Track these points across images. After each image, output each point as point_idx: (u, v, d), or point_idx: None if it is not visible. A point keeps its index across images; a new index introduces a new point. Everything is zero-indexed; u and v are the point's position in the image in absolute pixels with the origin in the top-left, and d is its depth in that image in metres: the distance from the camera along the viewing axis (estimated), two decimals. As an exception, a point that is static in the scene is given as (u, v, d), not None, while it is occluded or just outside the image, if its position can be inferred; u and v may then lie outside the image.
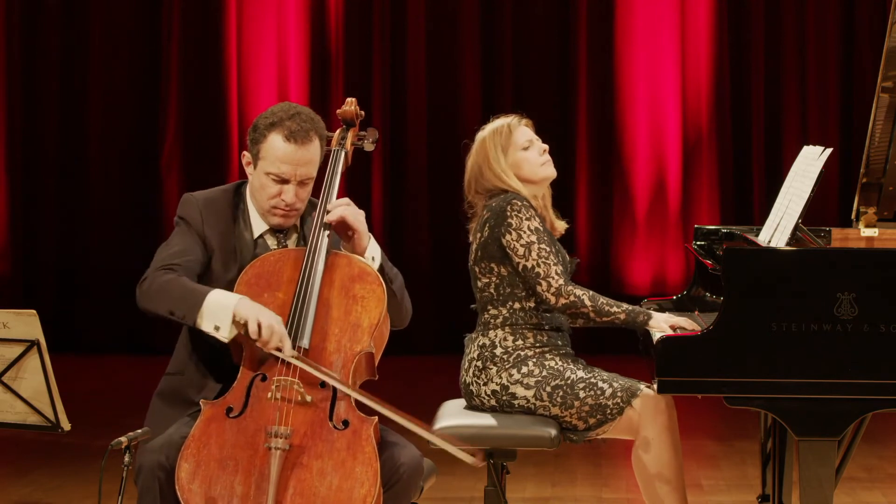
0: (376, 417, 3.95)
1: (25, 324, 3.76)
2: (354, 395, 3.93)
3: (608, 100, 10.88)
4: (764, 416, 5.22)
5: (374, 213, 10.88)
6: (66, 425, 3.81)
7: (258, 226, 4.23)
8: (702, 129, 10.83)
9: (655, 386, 4.26)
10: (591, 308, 4.61)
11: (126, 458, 3.77)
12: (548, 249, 4.64)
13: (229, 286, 4.10)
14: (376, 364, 4.13)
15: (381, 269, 4.15)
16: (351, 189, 10.86)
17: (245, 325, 3.92)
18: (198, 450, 3.87)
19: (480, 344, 4.72)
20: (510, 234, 4.65)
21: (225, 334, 3.93)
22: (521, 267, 4.65)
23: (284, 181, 4.13)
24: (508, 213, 4.64)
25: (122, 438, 3.78)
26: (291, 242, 4.25)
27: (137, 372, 9.72)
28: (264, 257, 4.13)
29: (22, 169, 11.01)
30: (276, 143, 4.12)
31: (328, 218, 4.10)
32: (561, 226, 4.87)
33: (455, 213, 10.93)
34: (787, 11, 10.78)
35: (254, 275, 4.09)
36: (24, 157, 11.01)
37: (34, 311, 3.77)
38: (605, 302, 4.63)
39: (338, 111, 4.33)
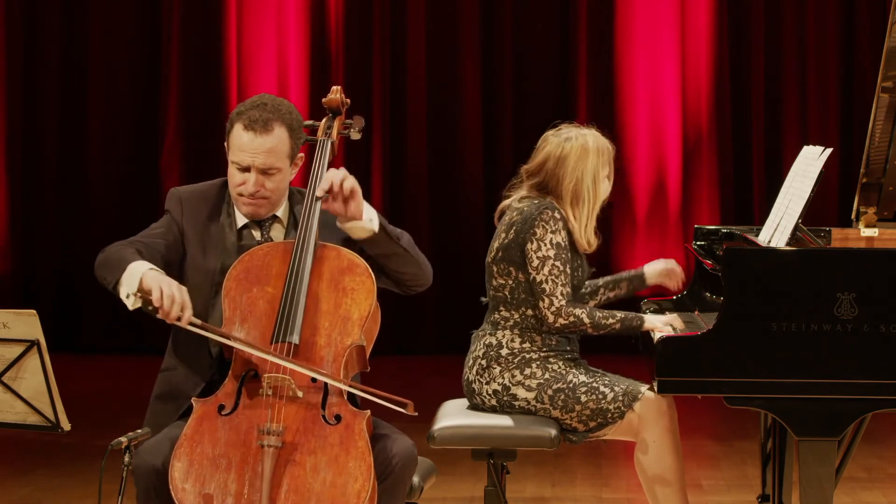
0: (369, 411, 3.94)
1: (25, 324, 3.76)
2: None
3: (608, 100, 10.86)
4: (764, 416, 5.21)
5: (374, 213, 10.86)
6: (66, 425, 3.80)
7: (241, 217, 4.24)
8: (702, 129, 10.82)
9: (655, 386, 4.27)
10: (589, 325, 4.65)
11: (126, 458, 3.77)
12: (561, 268, 4.64)
13: (208, 274, 4.13)
14: (367, 356, 4.11)
15: (383, 229, 4.14)
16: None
17: (150, 294, 3.90)
18: (190, 449, 3.86)
19: (487, 343, 4.72)
20: (532, 242, 4.66)
21: (130, 302, 3.94)
22: (531, 278, 4.66)
23: (245, 169, 4.15)
24: (536, 222, 4.65)
25: (122, 438, 3.78)
26: (276, 233, 4.24)
27: (137, 372, 9.67)
28: (253, 251, 4.11)
29: (22, 169, 11.00)
30: (237, 132, 4.16)
31: (318, 190, 4.07)
32: (593, 242, 4.82)
33: (455, 213, 11.03)
34: (787, 11, 10.77)
35: (242, 269, 4.08)
36: (24, 157, 11.00)
37: (34, 311, 3.76)
38: (601, 316, 4.65)
39: (323, 100, 4.33)
